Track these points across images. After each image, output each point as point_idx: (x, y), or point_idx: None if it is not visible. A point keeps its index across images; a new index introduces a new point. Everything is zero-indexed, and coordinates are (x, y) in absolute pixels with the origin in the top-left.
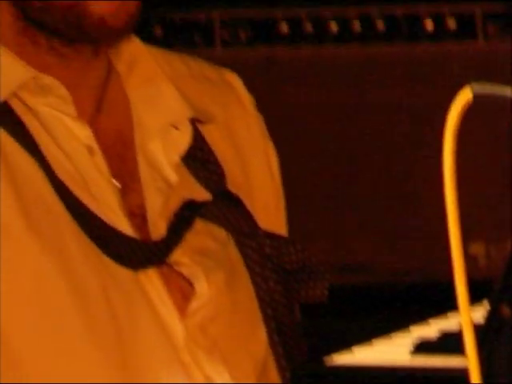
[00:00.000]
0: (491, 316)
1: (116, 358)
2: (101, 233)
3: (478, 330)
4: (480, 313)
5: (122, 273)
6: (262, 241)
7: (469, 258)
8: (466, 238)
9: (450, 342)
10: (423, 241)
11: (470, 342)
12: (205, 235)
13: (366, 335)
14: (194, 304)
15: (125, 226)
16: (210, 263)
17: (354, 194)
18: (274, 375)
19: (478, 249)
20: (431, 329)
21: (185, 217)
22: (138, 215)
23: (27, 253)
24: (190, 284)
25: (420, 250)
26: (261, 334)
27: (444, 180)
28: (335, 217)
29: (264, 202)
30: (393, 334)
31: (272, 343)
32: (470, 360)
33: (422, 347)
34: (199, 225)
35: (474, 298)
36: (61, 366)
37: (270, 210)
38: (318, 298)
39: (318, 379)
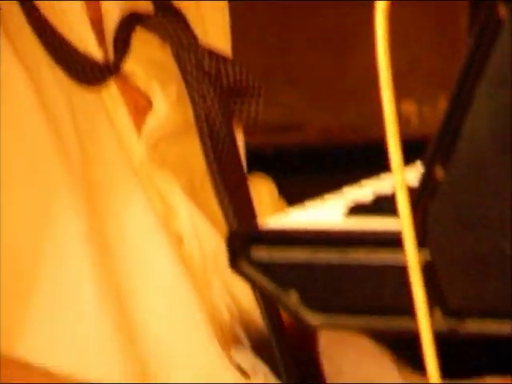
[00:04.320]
0: (425, 178)
1: (80, 174)
2: (63, 52)
3: (412, 192)
4: (414, 174)
5: (87, 94)
6: (201, 56)
7: (401, 118)
8: (399, 96)
9: (384, 204)
10: (355, 99)
11: (403, 204)
12: (153, 45)
13: (298, 196)
14: (151, 121)
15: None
16: (163, 76)
17: (286, 49)
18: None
19: (410, 108)
20: (364, 190)
21: (128, 26)
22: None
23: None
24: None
25: (353, 108)
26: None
27: (375, 38)
28: (265, 72)
29: (211, 27)
30: (326, 196)
31: (208, 161)
32: (403, 222)
33: (356, 209)
34: (145, 35)
35: (408, 158)
36: (30, 182)
37: (217, 36)
38: (252, 118)
39: (252, 242)
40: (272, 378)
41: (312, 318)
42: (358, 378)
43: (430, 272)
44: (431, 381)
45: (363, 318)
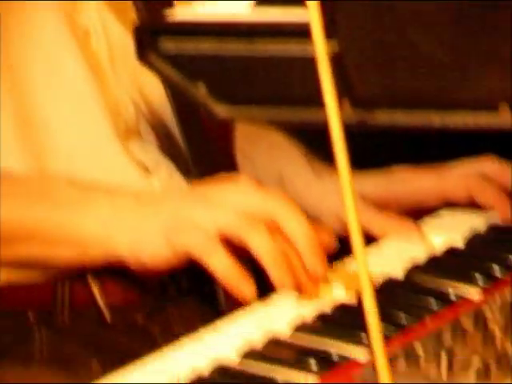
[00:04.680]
0: None
1: None
2: None
3: None
4: None
5: None
6: None
7: None
8: None
9: None
10: None
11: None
12: None
13: None
14: None
15: None
16: None
17: None
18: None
19: None
20: None
21: None
22: None
23: None
24: None
25: None
26: None
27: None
28: None
29: None
30: None
31: None
32: (311, 14)
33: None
34: None
35: None
36: None
37: None
38: None
39: (159, 34)
40: (177, 175)
41: (220, 110)
42: (270, 171)
43: (338, 63)
44: (341, 178)
45: (272, 110)
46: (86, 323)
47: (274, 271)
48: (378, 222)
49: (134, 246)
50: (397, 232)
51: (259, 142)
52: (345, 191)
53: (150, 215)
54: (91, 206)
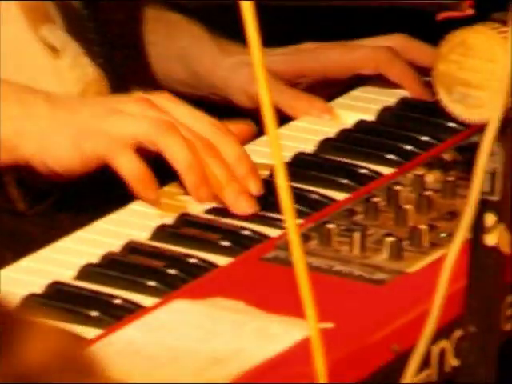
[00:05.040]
0: None
1: None
2: None
3: None
4: None
5: None
6: None
7: None
8: None
9: None
10: None
11: None
12: None
13: None
14: None
15: None
16: None
17: None
18: None
19: None
20: None
21: None
22: None
23: None
24: None
25: None
26: None
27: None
28: None
29: None
30: None
31: None
32: None
33: None
34: None
35: None
36: None
37: None
38: None
39: None
40: (83, 57)
41: None
42: (171, 50)
43: None
44: (253, 55)
45: None
46: None
47: (189, 177)
48: (289, 100)
49: (42, 152)
50: (307, 109)
51: (157, 23)
52: (257, 70)
53: (61, 123)
54: (3, 109)
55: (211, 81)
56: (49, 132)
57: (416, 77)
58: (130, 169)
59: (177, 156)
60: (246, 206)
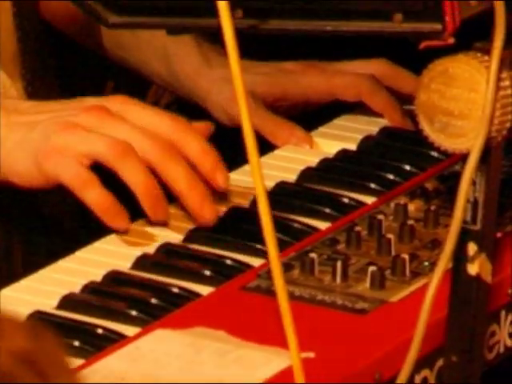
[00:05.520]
0: None
1: None
2: None
3: None
4: None
5: None
6: None
7: None
8: None
9: None
10: None
11: None
12: None
13: None
14: None
15: None
16: None
17: None
18: None
19: None
20: None
21: None
22: None
23: None
24: None
25: None
26: None
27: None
28: None
29: None
30: None
31: None
32: None
33: None
34: None
35: None
36: None
37: None
38: None
39: None
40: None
41: (110, 17)
42: (154, 46)
43: None
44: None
45: (164, 18)
46: None
47: (147, 202)
48: (270, 127)
49: (4, 168)
50: (288, 137)
51: None
52: (240, 104)
53: (18, 140)
54: None
55: (192, 89)
56: (11, 149)
57: (398, 107)
58: (96, 201)
59: (133, 180)
60: (209, 212)
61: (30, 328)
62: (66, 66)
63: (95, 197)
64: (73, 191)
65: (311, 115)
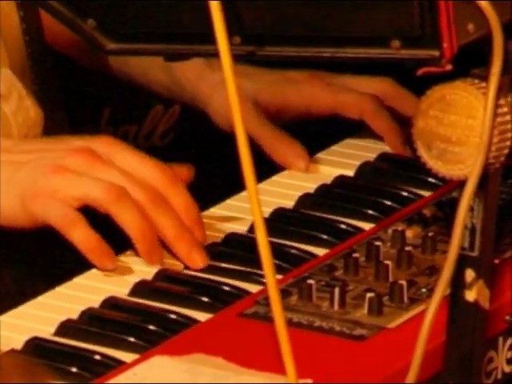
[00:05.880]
0: None
1: None
2: None
3: None
4: None
5: None
6: None
7: None
8: None
9: None
10: None
11: None
12: None
13: None
14: None
15: None
16: None
17: None
18: None
19: None
20: None
21: None
22: None
23: None
24: None
25: None
26: None
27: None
28: None
29: None
30: None
31: None
32: None
33: None
34: None
35: None
36: None
37: None
38: None
39: None
40: (27, 99)
41: (109, 44)
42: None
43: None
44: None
45: (162, 45)
46: None
47: (141, 245)
48: (270, 140)
49: None
50: (286, 152)
51: None
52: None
53: (7, 178)
54: None
55: (194, 94)
56: None
57: (398, 132)
58: (83, 241)
59: (129, 224)
60: (198, 259)
61: (26, 364)
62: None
63: (82, 236)
64: (60, 231)
65: (312, 134)
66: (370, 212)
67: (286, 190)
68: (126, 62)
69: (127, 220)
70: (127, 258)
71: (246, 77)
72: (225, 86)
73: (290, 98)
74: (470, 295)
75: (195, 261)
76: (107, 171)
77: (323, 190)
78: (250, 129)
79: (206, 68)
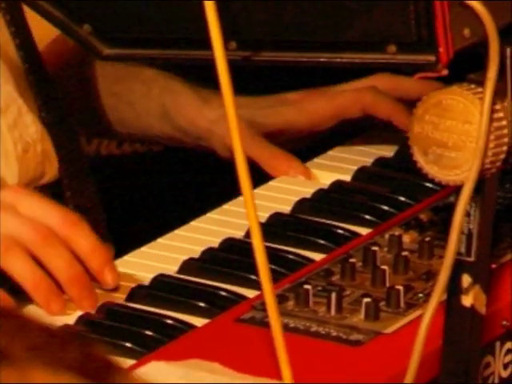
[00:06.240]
0: None
1: None
2: None
3: None
4: None
5: None
6: None
7: None
8: None
9: None
10: None
11: None
12: None
13: None
14: None
15: None
16: None
17: None
18: None
19: None
20: None
21: None
22: None
23: None
24: None
25: None
26: None
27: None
28: None
29: None
30: None
31: None
32: None
33: None
34: None
35: None
36: None
37: None
38: None
39: None
40: (27, 115)
41: (104, 49)
42: (151, 106)
43: (224, 5)
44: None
45: (158, 50)
46: None
47: (37, 297)
48: (268, 158)
49: None
50: (285, 169)
51: (133, 82)
52: (232, 129)
53: None
54: None
55: (196, 132)
56: None
57: (404, 110)
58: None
59: (21, 276)
60: (88, 305)
61: (79, 337)
62: None
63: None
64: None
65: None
66: (367, 217)
67: (282, 194)
68: (123, 124)
69: (18, 272)
70: (123, 263)
71: (244, 106)
72: (225, 120)
73: (290, 117)
74: (467, 300)
75: (84, 307)
76: (5, 220)
77: (320, 194)
78: (246, 148)
79: (203, 105)
